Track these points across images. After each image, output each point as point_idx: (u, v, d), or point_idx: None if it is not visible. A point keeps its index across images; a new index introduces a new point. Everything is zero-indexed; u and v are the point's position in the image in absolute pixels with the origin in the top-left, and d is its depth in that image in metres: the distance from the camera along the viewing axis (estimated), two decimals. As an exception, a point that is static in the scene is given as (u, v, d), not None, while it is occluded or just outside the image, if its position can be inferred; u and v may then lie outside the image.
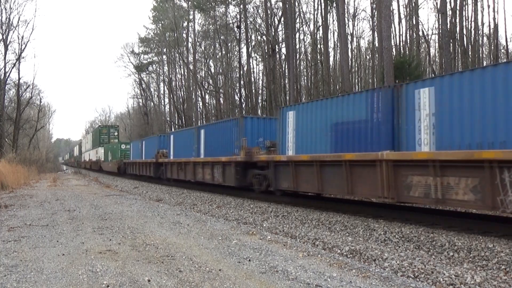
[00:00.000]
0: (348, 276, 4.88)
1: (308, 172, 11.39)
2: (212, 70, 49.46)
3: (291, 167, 11.99)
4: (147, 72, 66.20)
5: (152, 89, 68.15)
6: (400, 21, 35.56)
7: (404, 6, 36.20)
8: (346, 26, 31.10)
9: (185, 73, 50.61)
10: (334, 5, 32.02)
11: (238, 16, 41.22)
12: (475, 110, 7.65)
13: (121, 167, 35.74)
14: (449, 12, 27.65)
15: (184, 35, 49.81)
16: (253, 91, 41.99)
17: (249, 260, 5.57)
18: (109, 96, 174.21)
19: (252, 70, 44.59)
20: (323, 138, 11.11)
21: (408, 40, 34.92)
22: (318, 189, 11.20)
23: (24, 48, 39.07)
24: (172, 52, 53.44)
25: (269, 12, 36.86)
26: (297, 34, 37.65)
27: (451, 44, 26.05)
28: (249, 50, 41.05)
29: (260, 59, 46.15)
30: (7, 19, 36.73)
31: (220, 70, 47.47)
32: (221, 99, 44.92)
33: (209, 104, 51.80)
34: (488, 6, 38.88)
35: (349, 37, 37.13)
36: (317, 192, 11.90)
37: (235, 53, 44.72)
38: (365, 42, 56.03)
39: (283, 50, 36.67)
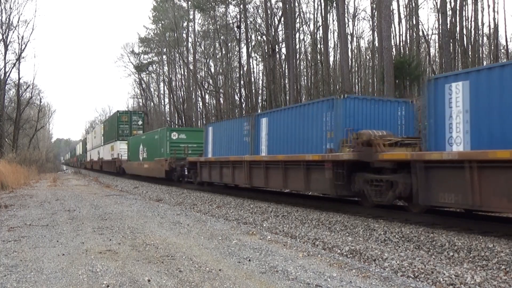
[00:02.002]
0: (348, 276, 4.88)
1: None
2: (212, 70, 49.48)
3: None
4: (147, 72, 66.29)
5: (152, 89, 68.33)
6: (400, 21, 35.55)
7: (404, 6, 36.22)
8: (346, 26, 31.10)
9: (185, 73, 50.63)
10: (334, 5, 32.03)
11: (238, 16, 41.21)
12: None
13: (175, 169, 21.86)
14: (449, 12, 27.63)
15: (184, 35, 49.83)
16: (253, 91, 41.95)
17: (249, 260, 5.57)
18: (109, 96, 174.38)
19: (252, 70, 44.62)
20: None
21: (408, 40, 34.90)
22: None
23: (24, 48, 39.02)
24: (172, 52, 53.43)
25: (269, 12, 36.86)
26: (297, 34, 37.71)
27: (451, 44, 26.02)
28: (249, 50, 41.08)
29: (260, 59, 46.22)
30: (7, 19, 36.78)
31: (220, 70, 47.47)
32: (221, 99, 44.91)
33: (209, 104, 51.81)
34: (488, 6, 38.76)
35: (349, 37, 37.11)
36: None
37: (235, 53, 44.74)
38: (365, 42, 56.03)
39: (283, 50, 36.71)
